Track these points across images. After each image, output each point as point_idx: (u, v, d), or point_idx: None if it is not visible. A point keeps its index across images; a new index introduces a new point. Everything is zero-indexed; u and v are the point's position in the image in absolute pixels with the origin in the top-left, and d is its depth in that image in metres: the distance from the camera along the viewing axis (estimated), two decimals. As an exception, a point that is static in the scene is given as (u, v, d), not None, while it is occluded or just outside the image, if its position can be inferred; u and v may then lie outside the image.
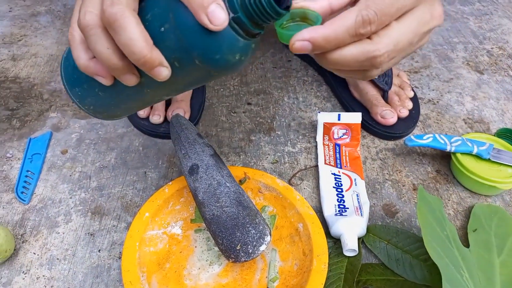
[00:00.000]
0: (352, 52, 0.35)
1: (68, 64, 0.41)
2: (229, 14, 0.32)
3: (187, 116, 0.67)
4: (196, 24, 0.32)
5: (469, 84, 0.79)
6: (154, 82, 0.36)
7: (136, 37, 0.31)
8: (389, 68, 0.38)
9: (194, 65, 0.34)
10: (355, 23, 0.33)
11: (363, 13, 0.33)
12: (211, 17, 0.31)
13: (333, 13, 0.36)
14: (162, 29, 0.33)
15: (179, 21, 0.32)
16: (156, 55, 0.33)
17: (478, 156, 0.60)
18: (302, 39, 0.34)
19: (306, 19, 0.36)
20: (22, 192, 0.59)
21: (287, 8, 0.33)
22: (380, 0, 0.33)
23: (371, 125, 0.68)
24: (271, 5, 0.32)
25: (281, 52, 0.85)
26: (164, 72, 0.33)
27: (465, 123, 0.71)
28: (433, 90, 0.78)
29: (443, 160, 0.65)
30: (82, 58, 0.35)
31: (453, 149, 0.60)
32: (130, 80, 0.35)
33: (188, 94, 0.70)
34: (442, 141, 0.60)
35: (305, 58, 0.82)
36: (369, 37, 0.35)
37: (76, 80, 0.40)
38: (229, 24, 0.32)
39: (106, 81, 0.36)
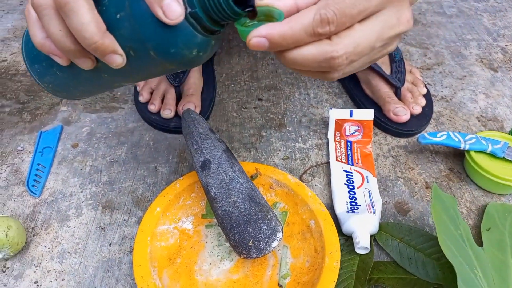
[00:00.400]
0: (310, 51, 0.33)
1: (28, 40, 0.40)
2: (186, 8, 0.31)
3: (197, 110, 0.67)
4: (151, 16, 0.31)
5: (483, 81, 0.78)
6: (111, 68, 0.35)
7: (87, 22, 0.31)
8: (351, 72, 0.36)
9: (149, 57, 0.34)
10: (313, 21, 0.32)
11: (322, 12, 0.31)
12: (166, 10, 0.30)
13: (299, 11, 0.34)
14: (118, 16, 0.33)
15: (135, 11, 0.32)
16: (109, 42, 0.32)
17: (493, 155, 0.59)
18: (259, 35, 0.32)
19: (270, 17, 0.34)
20: (33, 186, 0.59)
21: (252, 9, 0.33)
22: (341, 0, 0.32)
23: (383, 122, 0.67)
24: (229, 4, 0.31)
25: (292, 47, 0.84)
26: (117, 59, 0.33)
27: (479, 121, 0.70)
28: (446, 87, 0.77)
29: (456, 158, 0.64)
30: (37, 36, 0.35)
31: (467, 147, 0.59)
32: (85, 63, 0.35)
33: (199, 88, 0.70)
34: (456, 139, 0.60)
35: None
36: (329, 38, 0.33)
37: (35, 57, 0.40)
38: (186, 18, 0.32)
39: (62, 61, 0.36)
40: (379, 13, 0.34)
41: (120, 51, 0.33)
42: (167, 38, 0.32)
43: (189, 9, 0.31)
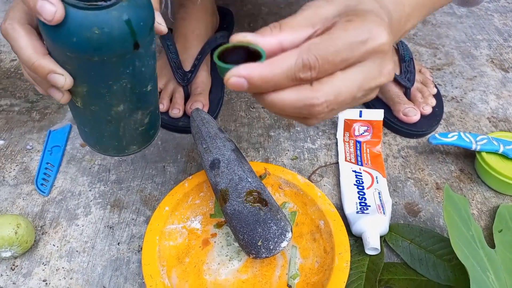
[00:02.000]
0: (290, 97, 0.32)
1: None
2: None
3: (205, 109, 0.67)
4: (43, 24, 0.33)
5: (494, 82, 0.77)
6: (89, 97, 0.39)
7: (24, 46, 0.35)
8: (329, 117, 0.36)
9: (75, 60, 0.35)
10: (295, 66, 0.31)
11: (304, 56, 0.31)
12: (42, 14, 0.32)
13: (283, 52, 0.33)
14: (44, 42, 0.36)
15: (41, 28, 0.35)
16: (46, 63, 0.35)
17: (504, 156, 0.59)
18: (238, 75, 0.31)
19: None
20: (42, 184, 0.59)
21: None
22: (324, 46, 0.31)
23: (393, 123, 0.67)
24: None
25: (300, 47, 0.84)
26: (59, 78, 0.36)
27: (490, 121, 0.70)
28: (456, 87, 0.76)
29: (467, 159, 0.64)
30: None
31: (478, 147, 0.59)
32: (56, 95, 0.38)
33: (206, 88, 0.69)
34: (468, 140, 0.59)
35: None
36: (310, 83, 0.32)
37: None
38: (66, 2, 0.32)
39: (39, 90, 0.40)
40: (362, 63, 0.33)
41: (59, 70, 0.36)
42: (63, 32, 0.33)
43: None
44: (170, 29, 0.73)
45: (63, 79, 0.36)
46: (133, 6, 0.34)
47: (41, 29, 0.35)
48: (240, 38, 0.33)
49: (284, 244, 0.45)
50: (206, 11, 0.74)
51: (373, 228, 0.50)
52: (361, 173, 0.59)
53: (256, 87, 0.31)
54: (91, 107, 0.40)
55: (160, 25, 0.40)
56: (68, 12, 0.32)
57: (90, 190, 0.59)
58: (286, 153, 0.64)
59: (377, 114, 0.65)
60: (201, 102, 0.66)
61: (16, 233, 0.48)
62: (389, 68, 0.34)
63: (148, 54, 0.39)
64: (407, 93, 0.68)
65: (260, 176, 0.55)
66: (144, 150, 0.64)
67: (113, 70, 0.37)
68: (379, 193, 0.56)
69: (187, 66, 0.68)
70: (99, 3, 0.33)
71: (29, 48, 0.36)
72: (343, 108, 0.34)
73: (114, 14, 0.33)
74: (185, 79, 0.67)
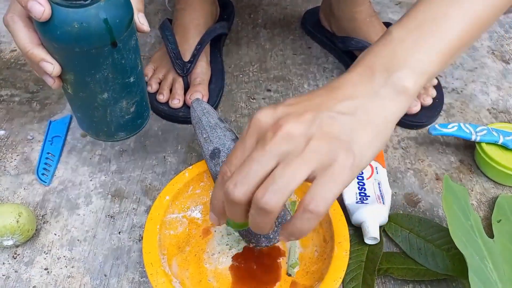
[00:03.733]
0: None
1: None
2: None
3: (205, 100, 0.67)
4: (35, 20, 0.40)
5: (494, 73, 0.77)
6: (76, 84, 0.45)
7: (21, 37, 0.41)
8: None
9: (61, 50, 0.42)
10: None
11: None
12: (32, 12, 0.38)
13: None
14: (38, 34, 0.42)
15: (33, 20, 0.41)
16: (38, 52, 0.41)
17: (504, 146, 0.59)
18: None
19: None
20: (43, 174, 0.59)
21: None
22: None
23: (393, 113, 0.67)
24: None
25: (301, 39, 0.84)
26: (48, 66, 0.42)
27: (490, 113, 0.70)
28: (457, 79, 0.76)
29: (467, 150, 0.64)
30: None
31: (478, 138, 0.59)
32: (48, 81, 0.44)
33: (206, 78, 0.69)
34: (467, 130, 0.59)
35: (325, 45, 0.81)
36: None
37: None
38: (52, 1, 0.39)
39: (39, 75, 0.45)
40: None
41: (49, 59, 0.42)
42: (49, 26, 0.40)
43: None
44: (170, 20, 0.73)
45: (52, 67, 0.42)
46: (110, 4, 0.41)
47: (33, 23, 0.41)
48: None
49: (284, 233, 0.45)
50: (206, 2, 0.74)
51: (373, 218, 0.51)
52: (361, 163, 0.59)
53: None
54: (79, 93, 0.47)
55: (143, 25, 0.46)
56: (53, 9, 0.39)
57: (91, 180, 0.59)
58: (286, 144, 0.64)
59: (377, 105, 0.65)
60: (200, 93, 0.66)
61: (17, 221, 0.48)
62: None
63: (127, 48, 0.45)
64: (408, 84, 0.68)
65: (260, 166, 0.55)
66: (144, 141, 0.64)
67: (94, 61, 0.43)
68: (378, 184, 0.56)
69: (187, 57, 0.68)
70: (80, 2, 0.39)
71: (26, 38, 0.41)
72: None
73: (92, 11, 0.40)
74: (185, 70, 0.67)
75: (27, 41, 0.41)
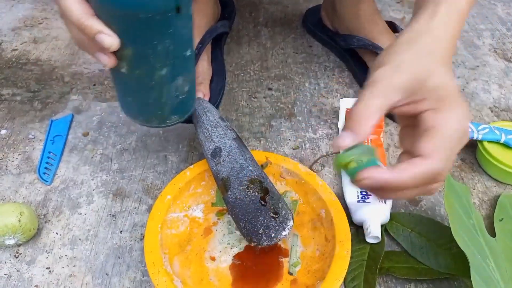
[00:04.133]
0: (412, 193, 0.38)
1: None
2: None
3: (206, 99, 0.67)
4: None
5: (496, 72, 0.77)
6: (132, 59, 0.40)
7: (74, 9, 0.37)
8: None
9: (121, 19, 0.37)
10: (425, 178, 0.36)
11: (436, 167, 0.36)
12: None
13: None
14: (92, 5, 0.38)
15: None
16: (94, 23, 0.37)
17: (506, 145, 0.59)
18: (371, 178, 0.36)
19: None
20: (44, 173, 0.59)
21: None
22: (450, 152, 0.36)
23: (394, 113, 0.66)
24: None
25: (302, 37, 0.84)
26: (107, 39, 0.37)
27: (491, 111, 0.70)
28: (458, 77, 0.76)
29: (468, 148, 0.63)
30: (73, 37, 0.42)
31: (480, 137, 0.59)
32: (103, 58, 0.39)
33: (207, 77, 0.69)
34: (469, 129, 0.59)
35: (327, 44, 0.81)
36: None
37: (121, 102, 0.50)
38: None
39: (90, 56, 0.41)
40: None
41: (107, 30, 0.37)
42: None
43: None
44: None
45: (111, 39, 0.37)
46: None
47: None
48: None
49: (285, 232, 0.45)
50: (208, 3, 0.74)
51: (374, 217, 0.51)
52: (362, 162, 0.59)
53: (383, 189, 0.37)
54: (135, 71, 0.42)
55: None
56: None
57: (92, 179, 0.59)
58: (288, 143, 0.64)
59: (379, 104, 0.64)
60: (201, 92, 0.66)
61: (19, 221, 0.48)
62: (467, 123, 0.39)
63: (188, 15, 0.41)
64: (409, 83, 0.67)
65: (262, 165, 0.55)
66: (145, 140, 0.64)
67: (157, 29, 0.38)
68: (380, 182, 0.56)
69: (188, 56, 0.68)
70: None
71: (79, 9, 0.37)
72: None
73: None
74: (187, 69, 0.67)
75: (80, 11, 0.37)
